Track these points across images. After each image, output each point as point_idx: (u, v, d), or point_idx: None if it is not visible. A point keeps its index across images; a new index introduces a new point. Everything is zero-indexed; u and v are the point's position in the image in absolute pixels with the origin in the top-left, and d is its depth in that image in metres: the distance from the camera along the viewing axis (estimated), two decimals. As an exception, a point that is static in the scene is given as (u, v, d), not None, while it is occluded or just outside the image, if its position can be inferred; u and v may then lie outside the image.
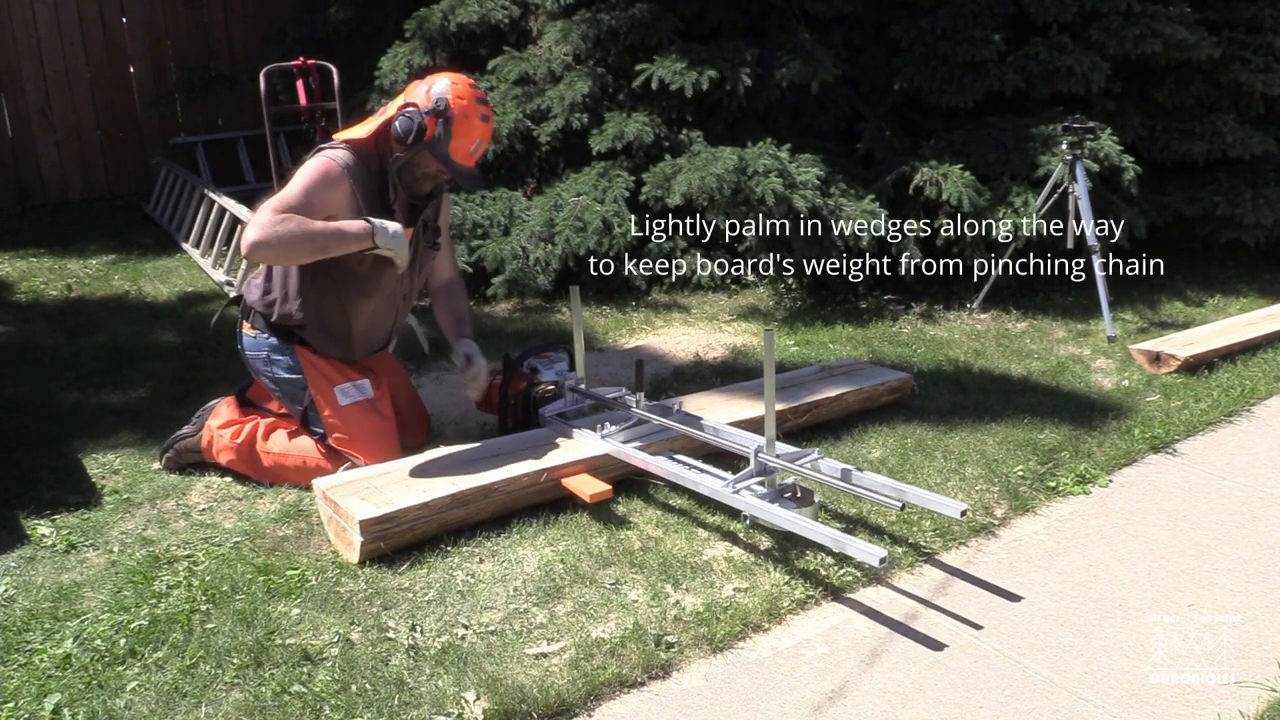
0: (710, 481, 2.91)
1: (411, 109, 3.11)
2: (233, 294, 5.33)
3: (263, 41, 8.06)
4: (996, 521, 3.10)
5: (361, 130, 3.18)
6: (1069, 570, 2.85)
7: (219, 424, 3.31)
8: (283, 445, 3.26)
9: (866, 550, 2.49)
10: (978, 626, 2.57)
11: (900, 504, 2.64)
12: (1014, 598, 2.70)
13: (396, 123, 3.11)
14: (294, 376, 3.27)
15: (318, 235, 2.94)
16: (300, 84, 6.19)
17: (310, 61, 6.06)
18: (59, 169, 7.98)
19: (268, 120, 5.44)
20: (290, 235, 2.89)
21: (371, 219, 3.04)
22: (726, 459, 3.16)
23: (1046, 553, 2.94)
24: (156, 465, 3.40)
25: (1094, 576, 2.81)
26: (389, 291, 3.31)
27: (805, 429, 3.59)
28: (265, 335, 3.27)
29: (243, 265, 5.45)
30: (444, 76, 3.20)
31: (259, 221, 2.89)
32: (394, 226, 3.06)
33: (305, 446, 3.26)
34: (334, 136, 3.23)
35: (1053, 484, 3.33)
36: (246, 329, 3.33)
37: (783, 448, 2.97)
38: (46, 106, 7.86)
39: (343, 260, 3.11)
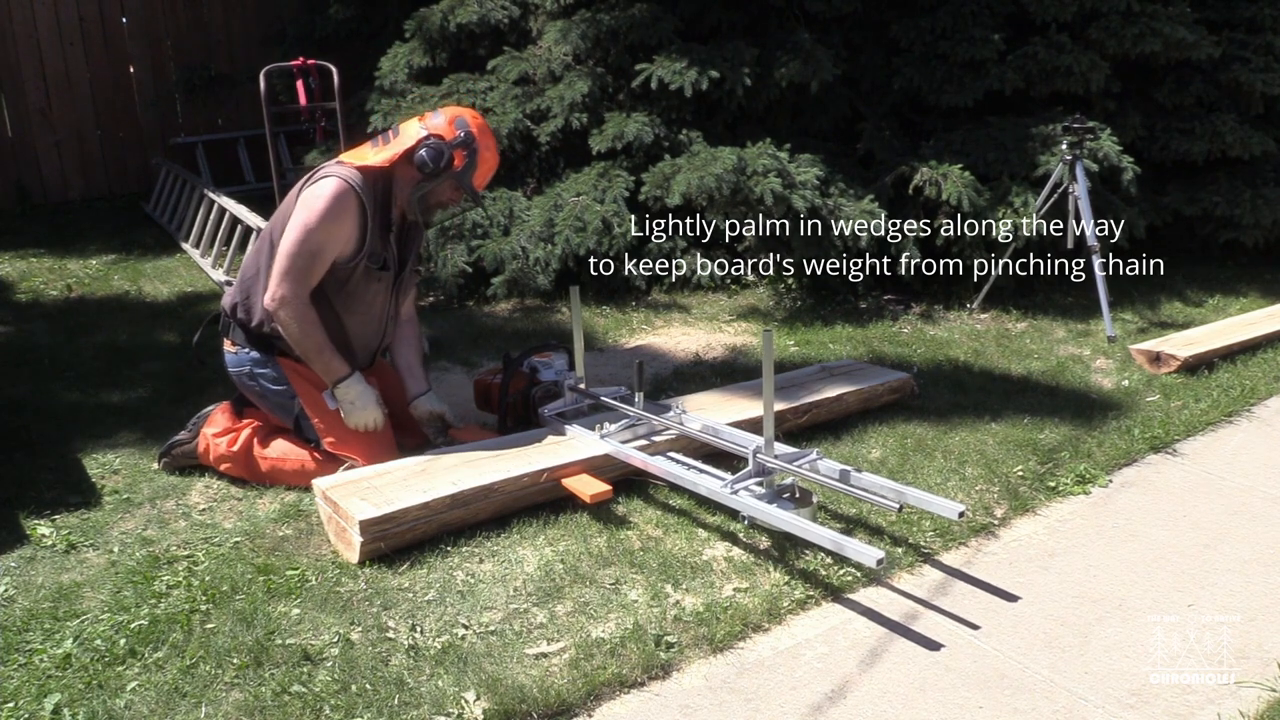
0: (709, 482, 2.91)
1: (437, 140, 3.19)
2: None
3: (262, 41, 8.06)
4: (996, 521, 3.11)
5: (378, 158, 3.21)
6: (1069, 570, 2.85)
7: (214, 432, 3.31)
8: (280, 450, 3.26)
9: (863, 551, 2.50)
10: (977, 626, 2.57)
11: (898, 505, 2.64)
12: (1014, 598, 2.70)
13: (422, 152, 3.18)
14: (280, 388, 3.27)
15: (309, 350, 3.17)
16: (300, 84, 6.19)
17: (310, 61, 6.07)
18: (59, 169, 7.98)
19: (268, 120, 5.44)
20: (292, 332, 3.14)
21: (353, 375, 3.21)
22: (727, 459, 3.16)
23: (1046, 553, 2.94)
24: (156, 466, 3.40)
25: (1094, 576, 2.81)
26: (376, 311, 3.35)
27: (805, 429, 3.59)
28: (246, 350, 3.28)
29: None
30: (456, 110, 3.32)
31: (280, 285, 3.09)
32: (364, 391, 3.21)
33: (302, 451, 3.27)
34: (345, 162, 3.24)
35: (1053, 484, 3.33)
36: (227, 345, 3.33)
37: (781, 448, 2.97)
38: (46, 106, 7.86)
39: (330, 275, 3.18)
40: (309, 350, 3.17)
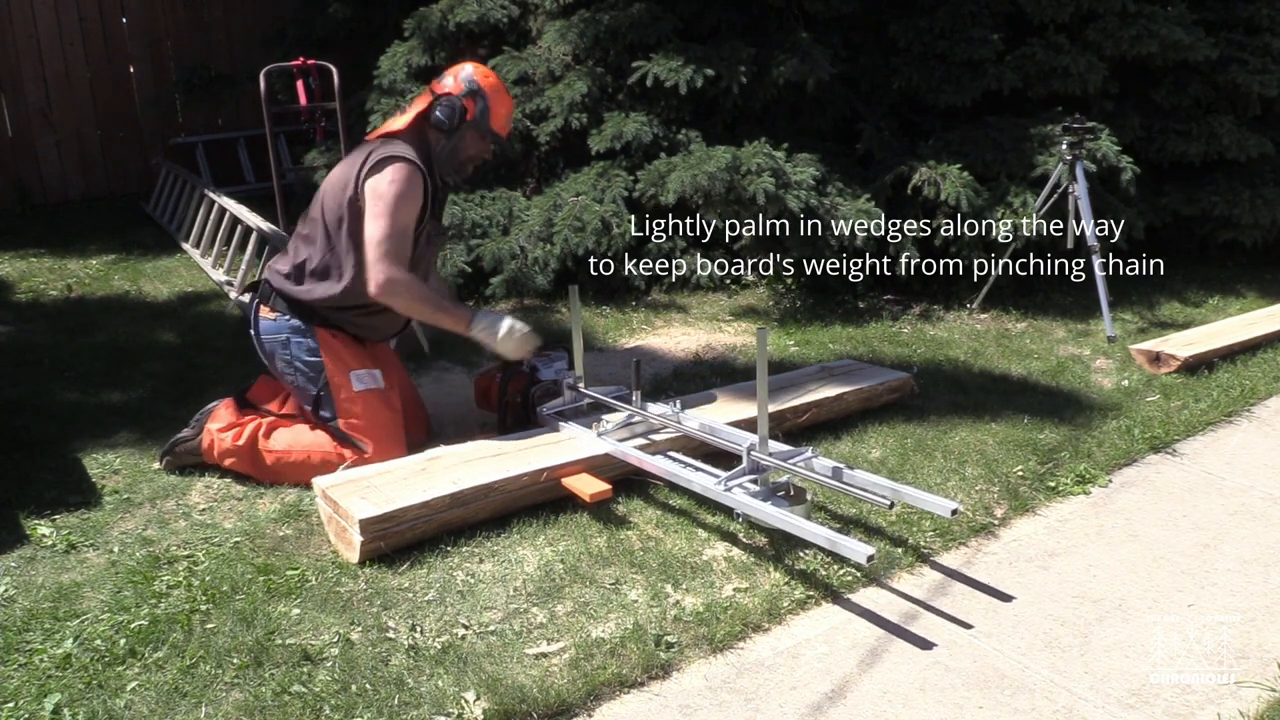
0: (703, 479, 2.91)
1: (447, 97, 3.34)
2: (233, 294, 5.34)
3: (262, 41, 8.06)
4: (996, 521, 3.11)
5: (396, 123, 3.34)
6: (1069, 570, 2.85)
7: (218, 427, 3.32)
8: (285, 442, 3.27)
9: (855, 549, 2.50)
10: (977, 626, 2.57)
11: (891, 502, 2.64)
12: (1013, 598, 2.71)
13: (437, 111, 3.33)
14: (314, 359, 3.31)
15: (429, 315, 3.34)
16: (300, 84, 6.19)
17: (310, 61, 6.07)
18: (59, 169, 7.98)
19: (268, 120, 5.44)
20: (409, 307, 3.29)
21: (477, 312, 3.33)
22: (725, 458, 3.16)
23: (1046, 553, 2.95)
24: (157, 465, 3.40)
25: (1094, 576, 2.82)
26: (419, 270, 3.41)
27: (805, 429, 3.60)
28: (286, 318, 3.32)
29: (244, 261, 5.46)
30: (459, 66, 3.44)
31: (382, 269, 3.16)
32: (501, 326, 3.30)
33: (308, 442, 3.27)
34: (371, 135, 3.35)
35: (1053, 484, 3.33)
36: (265, 312, 3.37)
37: (776, 446, 2.98)
38: (46, 106, 7.86)
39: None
40: (429, 315, 3.34)
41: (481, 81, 3.37)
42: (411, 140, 3.31)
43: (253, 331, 3.39)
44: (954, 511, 2.70)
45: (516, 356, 3.39)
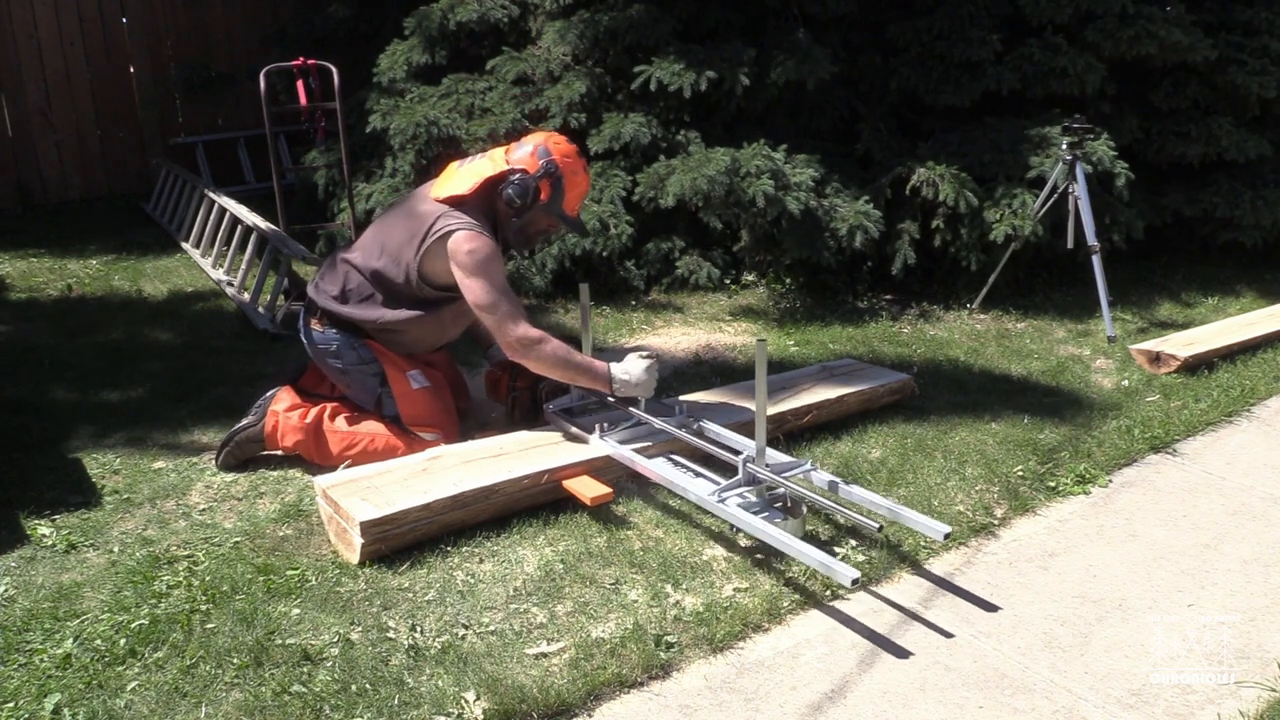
0: (699, 488, 2.90)
1: (521, 175, 3.30)
2: (231, 292, 5.34)
3: (262, 41, 8.05)
4: (996, 521, 3.11)
5: (462, 186, 3.31)
6: (1069, 570, 2.85)
7: (284, 407, 3.36)
8: (351, 426, 3.33)
9: (842, 571, 2.48)
10: (977, 626, 2.57)
11: (879, 526, 2.63)
12: (1013, 598, 2.71)
13: (509, 190, 3.29)
14: (365, 365, 3.38)
15: (569, 369, 3.28)
16: (300, 84, 6.19)
17: (310, 61, 6.07)
18: (59, 169, 7.97)
19: (268, 120, 5.44)
20: (549, 359, 3.25)
21: (613, 366, 3.31)
22: (725, 461, 3.16)
23: (1046, 553, 2.95)
24: (159, 464, 3.40)
25: (1094, 576, 2.82)
26: (457, 317, 3.49)
27: (806, 429, 3.59)
28: (333, 330, 3.39)
29: (244, 261, 5.45)
30: (541, 137, 3.41)
31: (511, 331, 3.21)
32: (634, 371, 3.29)
33: (374, 427, 3.33)
34: (436, 198, 3.32)
35: (1053, 484, 3.33)
36: (315, 324, 3.43)
37: (774, 457, 2.96)
38: (46, 106, 7.86)
39: (443, 312, 3.41)
40: (564, 374, 3.30)
41: (560, 164, 3.33)
42: (477, 205, 3.31)
43: (305, 339, 3.47)
44: (945, 536, 2.67)
45: (651, 393, 3.35)
